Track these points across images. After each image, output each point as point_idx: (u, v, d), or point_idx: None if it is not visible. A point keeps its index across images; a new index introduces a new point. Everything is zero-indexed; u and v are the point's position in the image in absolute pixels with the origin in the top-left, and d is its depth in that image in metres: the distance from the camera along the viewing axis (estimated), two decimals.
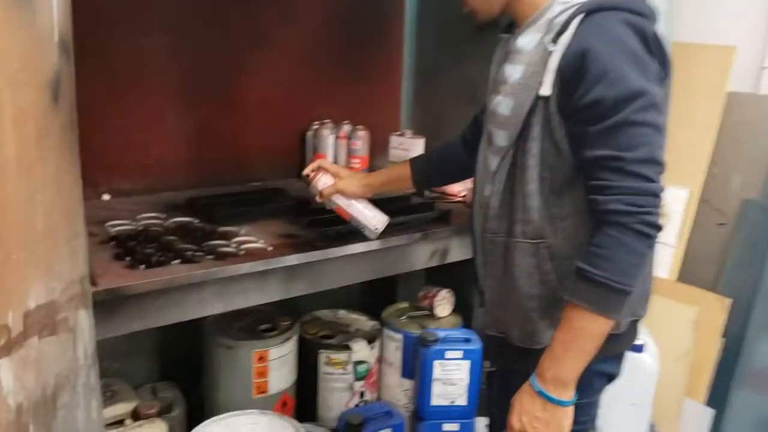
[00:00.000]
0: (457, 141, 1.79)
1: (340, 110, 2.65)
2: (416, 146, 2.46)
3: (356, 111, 2.70)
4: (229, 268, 1.69)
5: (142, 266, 1.64)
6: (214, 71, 2.35)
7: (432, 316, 2.52)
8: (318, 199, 1.84)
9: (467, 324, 2.49)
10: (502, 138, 1.38)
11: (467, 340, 2.26)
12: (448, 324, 2.51)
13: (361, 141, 2.47)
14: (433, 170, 1.82)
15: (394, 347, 2.43)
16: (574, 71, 1.19)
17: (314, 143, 2.48)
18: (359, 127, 2.48)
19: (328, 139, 2.47)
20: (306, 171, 1.86)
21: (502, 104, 1.37)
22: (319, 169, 1.83)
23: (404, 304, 2.61)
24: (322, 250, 1.84)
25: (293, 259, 1.79)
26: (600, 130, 1.17)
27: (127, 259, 1.68)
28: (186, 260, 1.69)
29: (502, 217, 1.39)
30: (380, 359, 2.45)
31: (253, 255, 1.77)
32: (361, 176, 1.86)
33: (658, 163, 1.17)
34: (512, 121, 1.32)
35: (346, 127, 2.55)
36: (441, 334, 2.28)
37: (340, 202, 1.82)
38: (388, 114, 2.84)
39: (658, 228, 1.17)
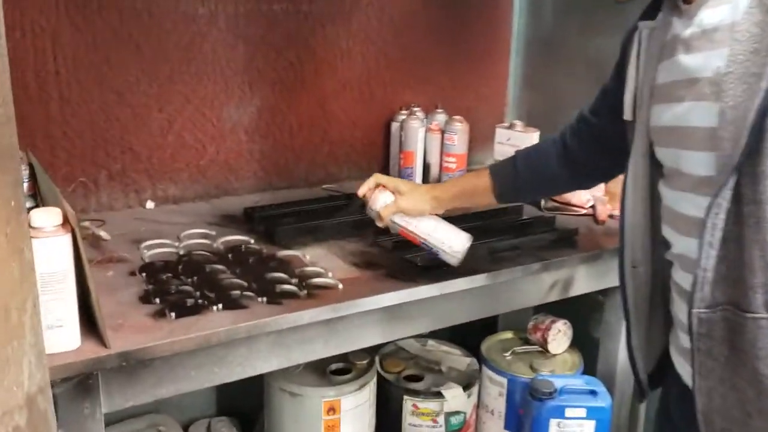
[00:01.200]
0: (550, 147, 1.39)
1: (432, 96, 2.18)
2: (528, 141, 1.96)
3: (452, 97, 2.23)
4: (286, 318, 1.28)
5: (173, 314, 1.24)
6: (282, 51, 1.92)
7: (544, 352, 2.03)
8: (378, 223, 1.43)
9: (588, 366, 1.99)
10: (703, 165, 0.94)
11: (593, 393, 1.77)
12: (564, 363, 2.02)
13: (459, 135, 1.99)
14: (520, 182, 1.40)
15: (496, 392, 1.96)
16: None
17: (401, 137, 2.02)
18: (456, 117, 2.00)
19: (418, 132, 2.00)
20: (361, 191, 1.44)
21: (696, 113, 0.94)
22: (376, 186, 1.43)
23: (508, 334, 2.13)
24: (410, 289, 1.40)
25: (370, 303, 1.36)
26: None
27: (156, 300, 1.29)
28: (231, 304, 1.29)
29: (724, 282, 0.92)
30: (478, 405, 2.00)
31: (319, 296, 1.34)
32: (425, 189, 1.45)
33: None
34: (727, 134, 0.87)
35: (440, 117, 2.08)
36: (558, 383, 1.80)
37: (405, 223, 1.41)
38: (492, 101, 2.34)
39: None
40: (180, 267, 1.45)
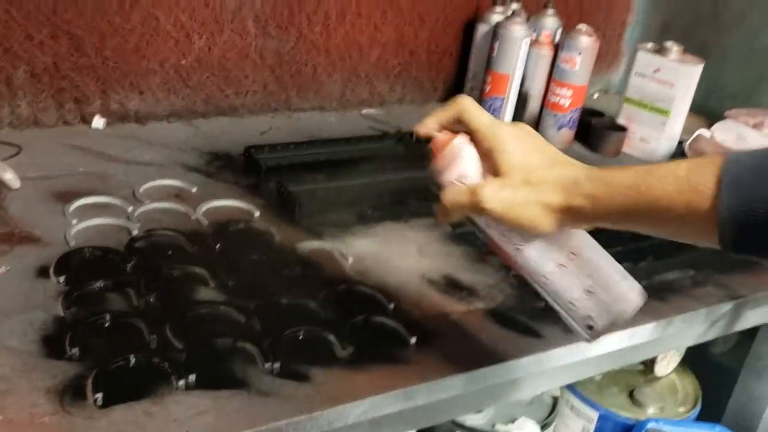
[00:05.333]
0: None
1: None
2: (688, 77, 1.28)
3: None
4: (324, 416, 0.67)
5: (98, 396, 0.63)
6: None
7: (646, 373, 1.46)
8: (439, 215, 0.68)
9: (709, 394, 1.43)
10: None
11: None
12: (673, 391, 1.47)
13: (584, 55, 1.29)
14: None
15: (579, 428, 1.41)
16: None
17: (492, 48, 1.33)
18: (582, 27, 1.29)
19: (520, 44, 1.30)
20: (425, 128, 0.68)
21: None
22: (455, 128, 0.67)
23: None
24: (528, 357, 0.78)
25: (457, 384, 0.75)
26: None
27: (73, 351, 0.67)
28: (210, 376, 0.67)
29: None
30: None
31: (378, 359, 0.73)
32: (563, 174, 0.62)
33: None
34: None
35: (551, 23, 1.37)
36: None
37: (499, 238, 0.66)
38: (613, 9, 1.62)
39: None
40: (129, 266, 0.82)
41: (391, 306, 0.81)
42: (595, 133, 1.36)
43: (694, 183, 0.53)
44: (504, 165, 0.62)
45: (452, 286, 0.88)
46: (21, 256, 0.81)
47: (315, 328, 0.76)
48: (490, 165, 0.63)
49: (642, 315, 0.86)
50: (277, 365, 0.69)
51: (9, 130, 1.10)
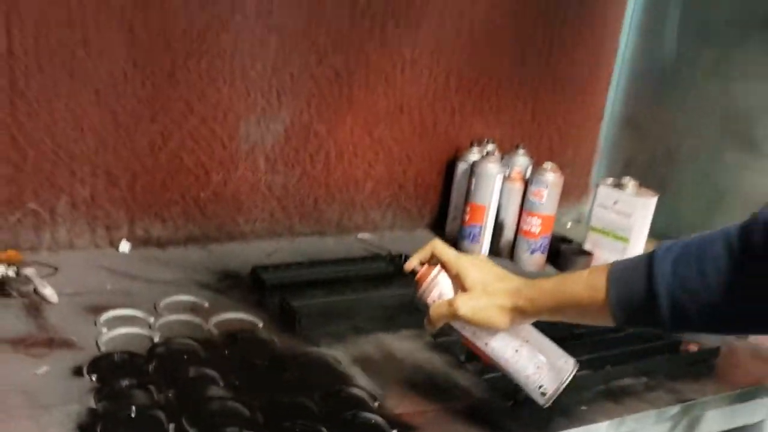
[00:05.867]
0: (723, 242, 0.69)
1: (509, 132, 1.69)
2: (644, 209, 1.46)
3: (532, 135, 1.74)
4: None
5: None
6: (327, 53, 1.42)
7: None
8: (427, 326, 0.91)
9: None
10: None
11: None
12: None
13: (550, 190, 1.48)
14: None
15: None
16: None
17: (470, 183, 1.52)
18: (548, 165, 1.49)
19: (495, 179, 1.50)
20: (410, 263, 0.94)
21: None
22: (431, 261, 0.93)
23: None
24: None
25: None
26: None
27: None
28: None
29: None
30: None
31: None
32: (507, 293, 0.85)
33: None
34: None
35: (522, 161, 1.58)
36: None
37: (469, 335, 0.90)
38: (581, 144, 1.84)
39: None
40: (150, 368, 0.95)
41: (377, 404, 0.94)
42: (564, 257, 1.53)
43: (593, 283, 0.76)
44: (468, 283, 0.87)
45: (432, 386, 1.01)
46: (59, 358, 0.95)
47: (310, 422, 0.88)
48: (459, 284, 0.88)
49: (597, 415, 0.99)
50: None
51: (48, 253, 1.27)
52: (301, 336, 1.09)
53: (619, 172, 1.70)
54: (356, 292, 1.23)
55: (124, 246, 1.33)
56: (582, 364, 0.90)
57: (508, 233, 1.55)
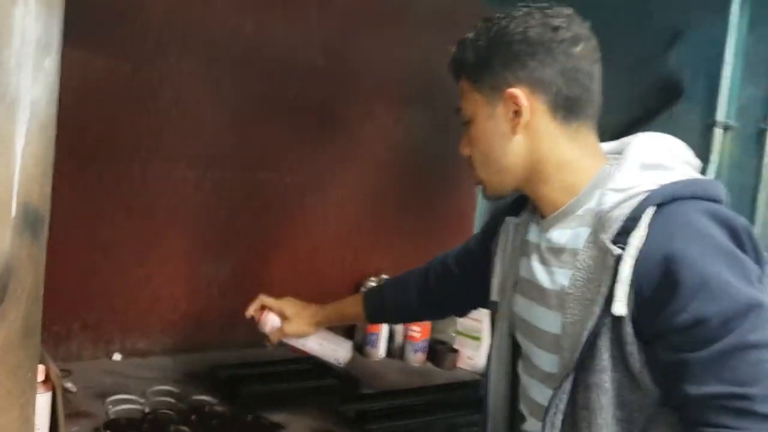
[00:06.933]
0: (413, 282, 1.55)
1: (396, 261, 2.29)
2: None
3: (415, 262, 2.34)
4: None
5: None
6: (261, 215, 2.05)
7: None
8: (267, 343, 1.64)
9: None
10: (548, 363, 1.06)
11: None
12: None
13: None
14: (385, 313, 1.65)
15: None
16: (659, 283, 0.91)
17: None
18: None
19: None
20: (249, 312, 1.64)
21: (545, 318, 1.07)
22: (263, 308, 1.63)
23: None
24: None
25: None
26: (708, 358, 0.89)
27: None
28: None
29: None
30: None
31: None
32: (309, 313, 1.62)
33: None
34: (567, 345, 1.00)
35: None
36: None
37: (293, 343, 1.64)
38: None
39: None
40: (144, 425, 1.47)
41: None
42: (438, 354, 2.11)
43: (356, 302, 1.56)
44: (287, 314, 1.60)
45: None
46: (83, 422, 1.46)
47: None
48: (281, 317, 1.60)
49: None
50: None
51: (61, 362, 1.77)
52: (243, 408, 1.61)
53: None
54: (283, 381, 1.77)
55: (117, 356, 1.85)
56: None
57: (399, 338, 2.13)
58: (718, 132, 1.77)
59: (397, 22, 2.19)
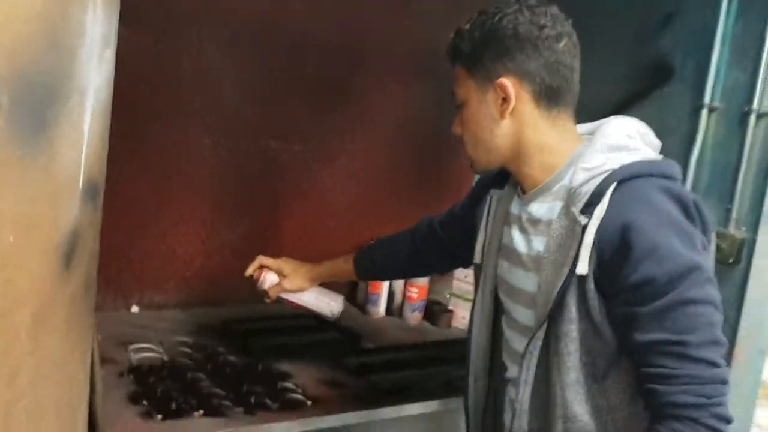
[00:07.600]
0: (403, 242, 1.68)
1: (405, 228, 2.41)
2: None
3: None
4: (261, 428, 1.44)
5: (159, 416, 1.40)
6: (271, 180, 2.16)
7: None
8: (266, 299, 1.76)
9: None
10: (526, 317, 1.23)
11: None
12: None
13: None
14: (376, 270, 1.77)
15: None
16: (617, 247, 1.07)
17: None
18: None
19: None
20: (248, 271, 1.76)
21: (524, 279, 1.23)
22: (261, 267, 1.75)
23: None
24: (370, 410, 1.58)
25: (335, 420, 1.53)
26: (653, 311, 1.05)
27: (144, 403, 1.44)
28: (211, 411, 1.45)
29: (536, 412, 1.20)
30: None
31: (290, 410, 1.52)
32: (306, 269, 1.76)
33: (721, 345, 1.05)
34: (541, 301, 1.16)
35: None
36: None
37: (290, 297, 1.77)
38: None
39: (730, 421, 1.04)
40: (164, 372, 1.60)
41: (299, 392, 1.60)
42: (434, 314, 2.24)
43: (348, 260, 1.69)
44: (285, 272, 1.73)
45: (329, 383, 1.68)
46: (109, 367, 1.59)
47: (257, 397, 1.54)
48: (279, 274, 1.72)
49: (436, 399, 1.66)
50: (240, 409, 1.47)
51: None
52: (254, 358, 1.75)
53: None
54: (291, 335, 1.91)
55: (135, 308, 1.99)
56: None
57: (398, 297, 2.26)
58: (704, 113, 1.87)
59: (409, 1, 2.27)
